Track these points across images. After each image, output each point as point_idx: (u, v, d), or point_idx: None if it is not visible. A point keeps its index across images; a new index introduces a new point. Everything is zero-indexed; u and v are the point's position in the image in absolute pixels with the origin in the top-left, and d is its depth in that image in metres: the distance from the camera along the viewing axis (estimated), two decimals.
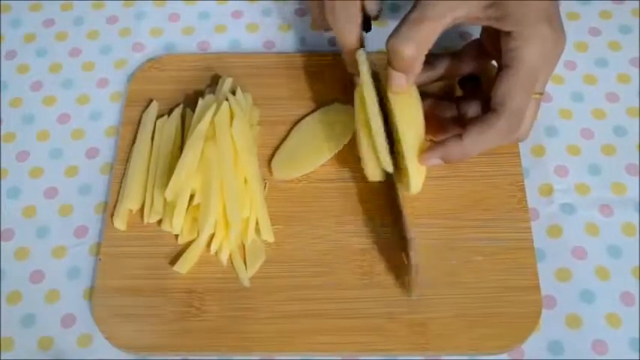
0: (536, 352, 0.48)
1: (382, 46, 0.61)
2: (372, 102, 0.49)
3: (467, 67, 0.53)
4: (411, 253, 0.47)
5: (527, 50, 0.46)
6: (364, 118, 0.49)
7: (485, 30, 0.51)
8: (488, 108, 0.50)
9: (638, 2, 0.63)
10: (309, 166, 0.55)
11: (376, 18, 0.53)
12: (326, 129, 0.56)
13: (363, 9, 0.52)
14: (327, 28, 0.56)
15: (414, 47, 0.46)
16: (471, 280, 0.50)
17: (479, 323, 0.48)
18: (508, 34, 0.46)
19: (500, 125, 0.47)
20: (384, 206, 0.52)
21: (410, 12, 0.46)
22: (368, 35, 0.54)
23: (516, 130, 0.49)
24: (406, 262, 0.48)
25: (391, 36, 0.46)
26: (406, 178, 0.50)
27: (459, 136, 0.48)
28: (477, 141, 0.48)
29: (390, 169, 0.49)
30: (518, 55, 0.46)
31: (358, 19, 0.52)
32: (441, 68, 0.52)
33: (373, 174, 0.51)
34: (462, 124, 0.52)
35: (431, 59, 0.48)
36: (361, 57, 0.50)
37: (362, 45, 0.52)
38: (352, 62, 0.51)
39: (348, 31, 0.52)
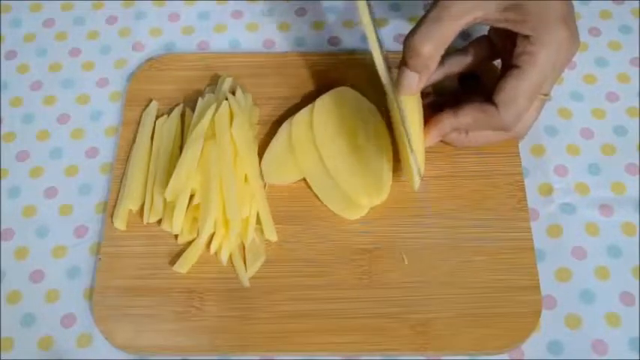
0: (536, 352, 0.48)
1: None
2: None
3: (472, 64, 0.52)
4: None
5: (542, 56, 0.46)
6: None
7: (497, 29, 0.50)
8: (489, 101, 0.50)
9: (638, 2, 0.63)
10: (299, 174, 0.54)
11: None
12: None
13: None
14: None
15: (433, 46, 0.46)
16: (471, 280, 0.50)
17: (479, 323, 0.48)
18: (526, 37, 0.46)
19: (497, 120, 0.48)
20: (384, 205, 0.52)
21: (429, 11, 0.46)
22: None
23: (511, 129, 0.49)
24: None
25: (410, 34, 0.46)
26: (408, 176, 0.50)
27: (454, 111, 0.49)
28: (469, 123, 0.50)
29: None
30: (532, 60, 0.46)
31: None
32: (448, 66, 0.52)
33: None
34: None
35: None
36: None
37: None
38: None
39: None
